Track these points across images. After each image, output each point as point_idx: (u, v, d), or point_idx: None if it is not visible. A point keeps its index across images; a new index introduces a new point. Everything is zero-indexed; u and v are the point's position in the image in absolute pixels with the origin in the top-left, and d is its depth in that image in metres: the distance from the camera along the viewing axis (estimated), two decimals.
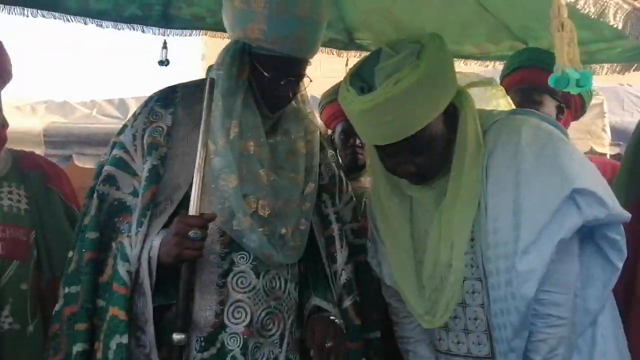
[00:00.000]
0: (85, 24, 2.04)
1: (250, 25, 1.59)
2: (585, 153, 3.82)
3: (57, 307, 1.65)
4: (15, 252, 1.91)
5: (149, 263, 1.53)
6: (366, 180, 2.48)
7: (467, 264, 1.49)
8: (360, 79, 1.49)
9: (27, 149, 3.62)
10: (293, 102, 1.76)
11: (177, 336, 1.48)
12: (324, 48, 2.45)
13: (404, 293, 1.61)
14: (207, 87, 1.59)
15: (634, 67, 1.87)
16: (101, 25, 2.09)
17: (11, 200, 1.97)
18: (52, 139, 3.79)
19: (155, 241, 1.54)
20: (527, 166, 1.42)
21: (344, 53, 2.54)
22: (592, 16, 1.19)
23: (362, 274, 1.85)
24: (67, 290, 1.63)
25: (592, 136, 3.72)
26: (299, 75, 1.70)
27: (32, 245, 1.97)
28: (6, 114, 3.12)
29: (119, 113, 4.23)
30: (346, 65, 2.47)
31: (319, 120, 2.60)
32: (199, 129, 1.57)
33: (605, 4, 1.19)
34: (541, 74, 2.11)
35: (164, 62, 2.05)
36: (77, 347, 1.55)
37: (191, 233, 1.48)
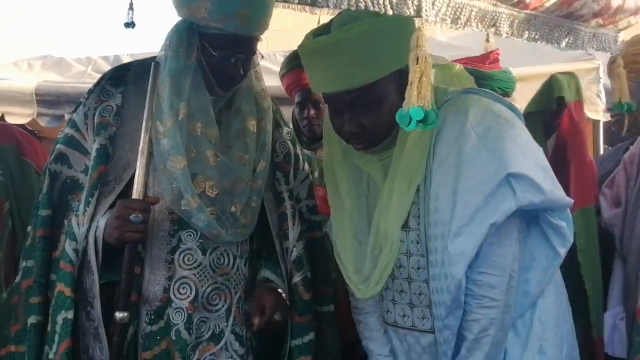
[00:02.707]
0: None
1: (196, 4, 1.62)
2: None
3: (17, 279, 1.76)
4: None
5: (95, 242, 1.61)
6: None
7: (413, 240, 1.56)
8: (322, 29, 1.56)
9: (19, 108, 3.81)
10: (247, 80, 1.80)
11: (119, 314, 1.57)
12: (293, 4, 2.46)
13: (342, 261, 1.68)
14: (151, 71, 1.64)
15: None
16: None
17: None
18: (44, 98, 3.81)
19: (101, 222, 1.62)
20: (468, 148, 1.45)
21: (317, 10, 2.56)
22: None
23: (317, 250, 1.94)
24: (24, 264, 1.73)
25: (586, 102, 3.61)
26: (249, 52, 1.73)
27: (7, 216, 2.08)
28: (3, 69, 3.22)
29: None
30: (318, 23, 2.51)
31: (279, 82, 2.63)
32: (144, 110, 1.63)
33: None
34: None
35: (130, 25, 2.05)
36: (31, 319, 1.66)
37: (132, 217, 1.55)
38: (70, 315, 1.59)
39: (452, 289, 1.45)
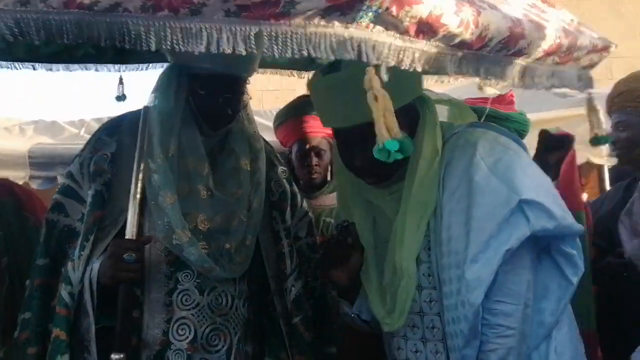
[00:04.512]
0: (34, 69, 2.13)
1: None
2: (581, 165, 3.96)
3: (15, 334, 1.85)
4: None
5: (90, 284, 1.74)
6: (326, 199, 2.72)
7: (424, 273, 1.66)
8: (331, 65, 1.67)
9: (12, 171, 3.99)
10: (239, 122, 1.98)
11: (115, 356, 1.66)
12: (284, 70, 2.62)
13: (369, 296, 1.76)
14: (141, 115, 1.82)
15: None
16: (51, 69, 2.18)
17: None
18: (37, 160, 3.98)
19: (95, 264, 1.75)
20: (479, 177, 1.57)
21: (305, 74, 2.65)
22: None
23: (319, 289, 2.08)
24: (22, 316, 1.85)
25: (589, 147, 3.82)
26: (236, 92, 1.91)
27: (4, 272, 2.14)
28: None
29: None
30: (307, 85, 2.68)
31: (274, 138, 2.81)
32: (140, 154, 1.78)
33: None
34: None
35: (121, 98, 2.17)
36: None
37: (125, 256, 1.68)
38: (65, 359, 1.72)
39: (470, 317, 1.53)
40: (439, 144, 1.67)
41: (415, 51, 1.29)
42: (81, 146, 2.06)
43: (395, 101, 1.56)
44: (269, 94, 5.65)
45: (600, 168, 4.05)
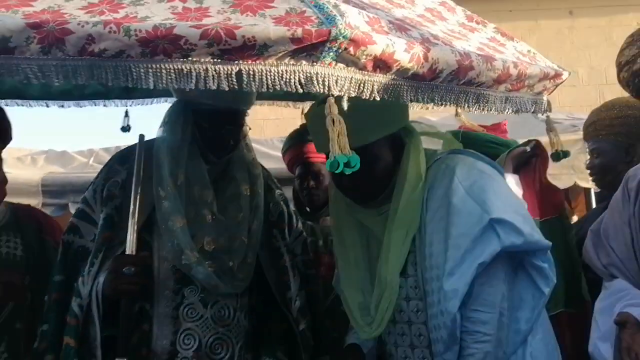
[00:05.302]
0: (47, 106, 2.45)
1: None
2: (569, 188, 4.12)
3: (35, 345, 2.05)
4: (10, 295, 2.29)
5: (97, 296, 1.94)
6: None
7: (412, 285, 1.88)
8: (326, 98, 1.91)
9: (25, 199, 4.23)
10: (239, 151, 2.22)
11: None
12: (280, 102, 2.91)
13: (349, 306, 1.99)
14: (138, 143, 2.06)
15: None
16: (62, 106, 2.49)
17: (8, 247, 2.34)
18: (50, 188, 4.24)
19: (101, 277, 1.96)
20: (456, 199, 1.79)
21: (300, 104, 2.94)
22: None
23: (313, 302, 2.31)
24: (41, 328, 2.06)
25: (576, 171, 3.93)
26: (237, 124, 2.16)
27: (27, 289, 2.34)
28: (7, 164, 3.62)
29: None
30: (302, 114, 2.93)
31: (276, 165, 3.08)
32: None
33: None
34: None
35: (126, 129, 2.48)
36: None
37: (125, 269, 1.89)
38: None
39: (449, 324, 1.74)
40: (422, 169, 1.90)
41: (374, 83, 1.51)
42: (91, 174, 2.31)
43: (382, 130, 1.87)
44: (271, 122, 5.96)
45: (587, 191, 4.23)
